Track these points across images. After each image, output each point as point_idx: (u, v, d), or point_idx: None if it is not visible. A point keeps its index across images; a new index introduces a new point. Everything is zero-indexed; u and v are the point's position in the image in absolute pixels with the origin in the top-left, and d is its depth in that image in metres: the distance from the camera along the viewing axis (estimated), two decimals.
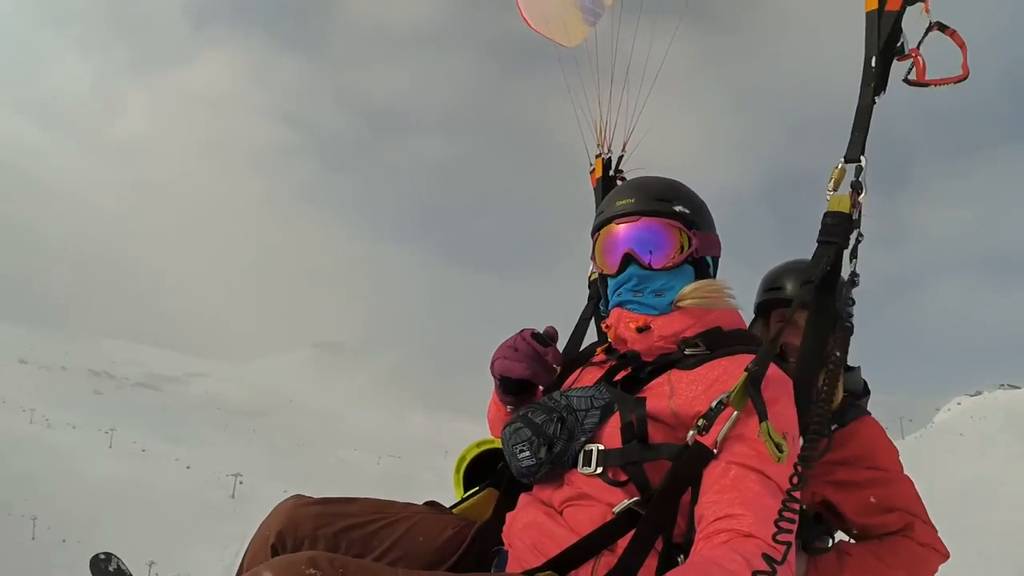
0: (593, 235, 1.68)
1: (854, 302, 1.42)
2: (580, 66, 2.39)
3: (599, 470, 1.39)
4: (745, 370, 1.29)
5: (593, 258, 1.69)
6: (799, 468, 1.18)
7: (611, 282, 1.63)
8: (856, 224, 1.51)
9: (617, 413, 1.43)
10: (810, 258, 1.56)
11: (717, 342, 1.49)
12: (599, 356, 1.69)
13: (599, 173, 2.42)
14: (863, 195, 1.52)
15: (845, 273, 1.49)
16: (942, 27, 1.59)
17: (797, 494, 1.16)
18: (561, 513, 1.43)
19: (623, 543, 1.29)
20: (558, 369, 1.72)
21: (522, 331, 1.69)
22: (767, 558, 1.07)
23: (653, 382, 1.47)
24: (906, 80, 1.59)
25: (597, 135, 2.43)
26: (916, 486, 1.90)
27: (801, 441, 1.35)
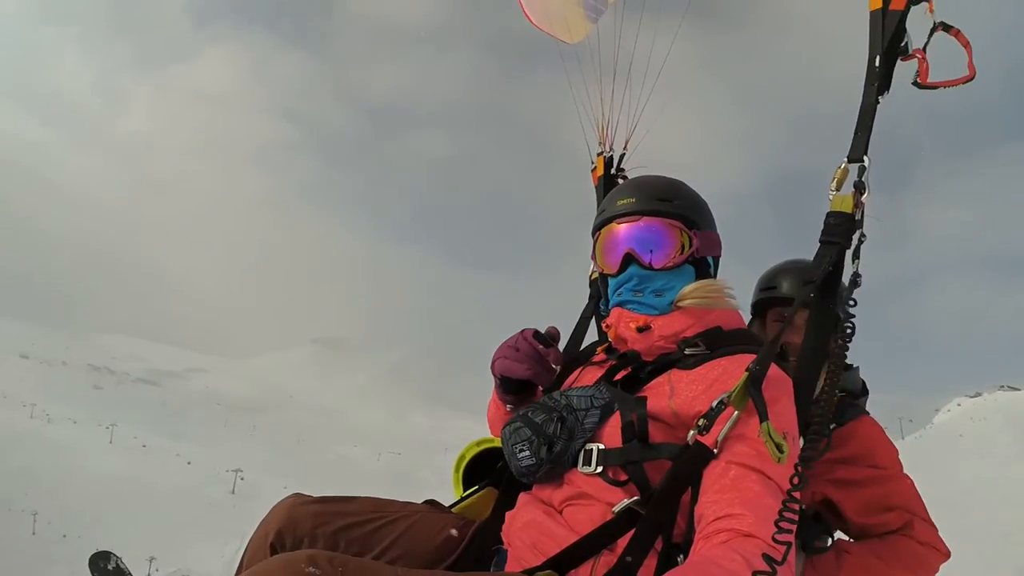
0: (594, 234, 1.68)
1: (856, 303, 1.42)
2: (582, 63, 2.38)
3: (599, 469, 1.39)
4: (746, 370, 1.29)
5: (593, 257, 1.69)
6: (799, 468, 1.18)
7: (611, 282, 1.63)
8: (859, 224, 1.51)
9: (617, 412, 1.43)
10: (810, 258, 1.56)
11: (717, 342, 1.48)
12: (599, 356, 1.69)
13: (601, 171, 2.41)
14: (866, 195, 1.51)
15: (847, 274, 1.49)
16: (946, 27, 1.58)
17: (797, 494, 1.16)
18: (561, 512, 1.43)
19: (623, 543, 1.29)
20: (558, 369, 1.72)
21: (523, 331, 1.69)
22: (767, 558, 1.06)
23: (653, 382, 1.47)
24: (915, 83, 1.58)
25: (599, 133, 2.42)
26: (916, 486, 1.89)
27: (801, 441, 1.34)
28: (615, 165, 2.41)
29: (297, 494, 1.59)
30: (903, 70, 1.59)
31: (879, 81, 1.55)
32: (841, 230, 1.50)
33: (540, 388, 1.74)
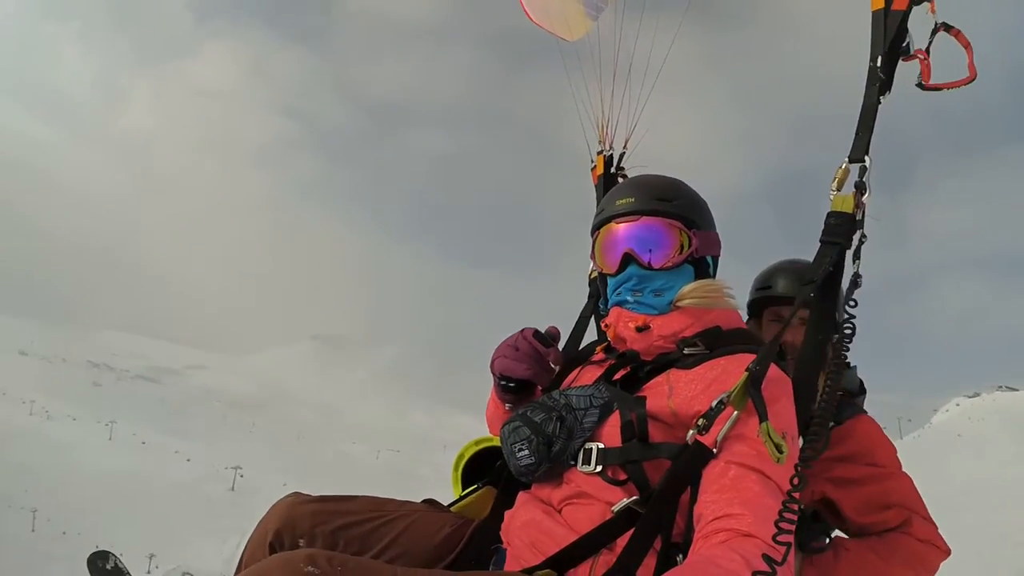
0: (593, 233, 1.68)
1: (856, 303, 1.41)
2: (582, 61, 2.38)
3: (599, 468, 1.39)
4: (746, 370, 1.29)
5: (593, 257, 1.69)
6: (799, 469, 1.18)
7: (611, 281, 1.62)
8: (859, 225, 1.51)
9: (617, 412, 1.42)
10: (810, 258, 1.56)
11: (716, 342, 1.48)
12: (598, 355, 1.69)
13: (601, 170, 2.40)
14: (867, 196, 1.51)
15: (848, 274, 1.49)
16: (947, 27, 1.58)
17: (797, 495, 1.15)
18: (560, 511, 1.43)
19: (622, 542, 1.29)
20: (558, 370, 1.72)
21: (523, 330, 1.69)
22: (767, 559, 1.06)
23: (652, 381, 1.47)
24: (919, 85, 1.58)
25: (599, 132, 2.42)
26: (919, 490, 1.88)
27: (801, 441, 1.34)
28: (615, 164, 2.40)
29: (296, 493, 1.59)
30: (905, 71, 1.58)
31: (881, 81, 1.55)
32: (842, 230, 1.50)
33: (539, 388, 1.74)
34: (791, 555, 1.11)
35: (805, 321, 1.57)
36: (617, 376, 1.54)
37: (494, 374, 1.69)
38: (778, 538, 1.10)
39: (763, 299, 2.18)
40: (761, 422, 1.22)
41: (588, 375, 1.61)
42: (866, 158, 1.53)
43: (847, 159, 1.55)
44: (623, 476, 1.37)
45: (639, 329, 1.52)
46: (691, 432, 1.31)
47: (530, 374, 1.65)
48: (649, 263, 1.56)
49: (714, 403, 1.30)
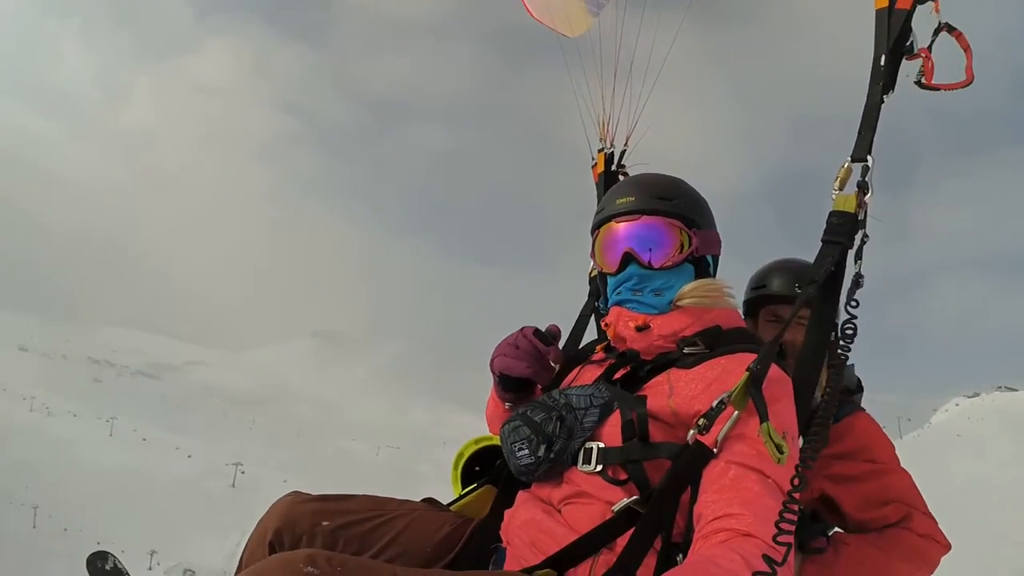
0: (593, 232, 1.67)
1: (858, 303, 1.41)
2: (583, 58, 2.36)
3: (599, 468, 1.38)
4: (747, 369, 1.28)
5: (593, 256, 1.68)
6: (800, 469, 1.17)
7: (611, 280, 1.62)
8: (861, 224, 1.50)
9: (617, 411, 1.42)
10: (810, 257, 1.55)
11: (716, 341, 1.48)
12: (598, 354, 1.69)
13: (601, 167, 2.39)
14: (869, 195, 1.50)
15: (849, 274, 1.48)
16: (950, 28, 1.57)
17: (797, 495, 1.15)
18: (560, 511, 1.43)
19: (622, 542, 1.29)
20: (558, 368, 1.72)
21: (523, 328, 1.69)
22: (767, 559, 1.06)
23: (652, 381, 1.46)
24: (917, 83, 1.57)
25: (600, 129, 2.41)
26: (914, 480, 1.88)
27: (801, 441, 1.34)
28: (616, 161, 2.39)
29: (295, 492, 1.59)
30: (905, 69, 1.57)
31: (884, 80, 1.54)
32: (844, 230, 1.49)
33: (539, 387, 1.73)
34: (791, 556, 1.11)
35: (804, 320, 1.57)
36: (617, 375, 1.54)
37: (494, 372, 1.69)
38: (778, 538, 1.10)
39: (759, 298, 2.19)
40: (762, 422, 1.22)
41: (588, 374, 1.61)
42: (868, 157, 1.52)
43: (849, 158, 1.54)
44: (623, 476, 1.37)
45: (639, 328, 1.52)
46: (692, 432, 1.31)
47: (530, 372, 1.65)
48: (649, 262, 1.55)
49: (715, 403, 1.29)
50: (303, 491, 1.60)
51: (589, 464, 1.40)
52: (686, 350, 1.48)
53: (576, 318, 2.03)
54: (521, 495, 1.54)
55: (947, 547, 1.81)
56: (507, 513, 1.53)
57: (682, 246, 1.56)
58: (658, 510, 1.28)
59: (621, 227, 1.59)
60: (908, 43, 1.56)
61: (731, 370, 1.37)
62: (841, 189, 1.53)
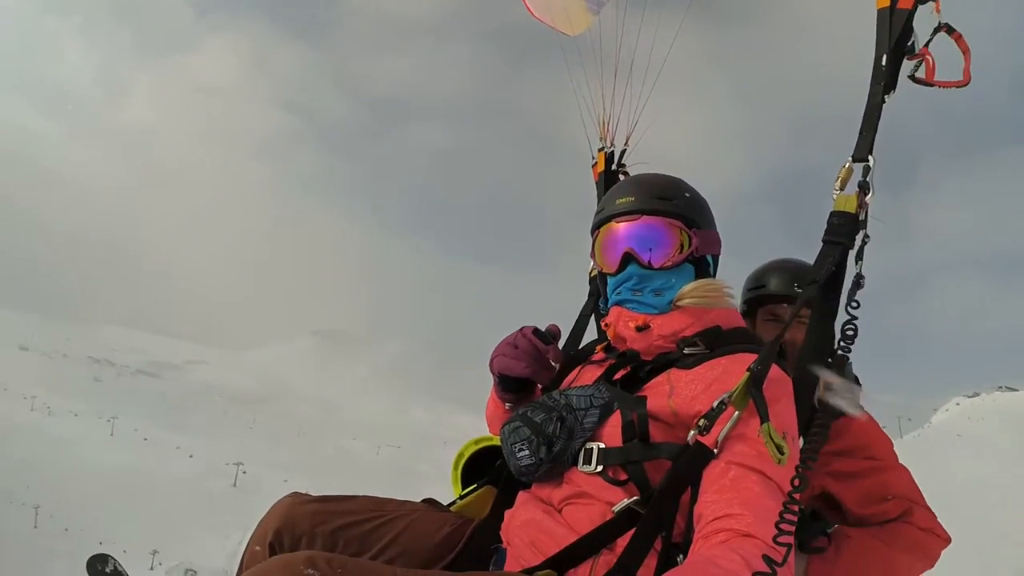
0: (593, 232, 1.67)
1: (859, 304, 1.40)
2: (584, 57, 2.36)
3: (599, 468, 1.38)
4: (748, 370, 1.28)
5: (593, 255, 1.68)
6: (800, 470, 1.17)
7: (611, 280, 1.62)
8: (862, 225, 1.50)
9: (617, 412, 1.42)
10: (811, 258, 1.55)
11: (716, 341, 1.48)
12: (598, 354, 1.68)
13: (601, 167, 2.39)
14: (870, 195, 1.50)
15: (850, 275, 1.48)
16: (950, 29, 1.57)
17: (798, 496, 1.15)
18: (560, 511, 1.43)
19: (622, 542, 1.28)
20: (558, 368, 1.71)
21: (523, 328, 1.69)
22: (767, 559, 1.06)
23: (652, 381, 1.46)
24: (911, 77, 1.57)
25: (600, 128, 2.41)
26: (912, 475, 1.90)
27: (801, 441, 1.34)
28: (616, 161, 2.39)
29: (295, 493, 1.59)
30: (906, 68, 1.57)
31: (885, 80, 1.54)
32: (844, 230, 1.49)
33: (539, 387, 1.73)
34: (792, 557, 1.11)
35: (804, 319, 1.57)
36: (617, 376, 1.53)
37: (493, 373, 1.69)
38: (778, 539, 1.10)
39: (758, 298, 2.20)
40: (762, 423, 1.22)
41: (588, 375, 1.61)
42: (870, 157, 1.52)
43: (850, 158, 1.54)
44: (624, 476, 1.37)
45: (639, 328, 1.52)
46: (692, 432, 1.31)
47: (529, 372, 1.64)
48: (649, 262, 1.55)
49: (715, 403, 1.29)
50: (303, 491, 1.61)
51: (589, 465, 1.40)
52: (686, 350, 1.48)
53: (576, 318, 2.03)
54: (521, 495, 1.54)
55: (947, 540, 1.82)
56: (507, 513, 1.53)
57: (682, 246, 1.56)
58: (658, 511, 1.28)
59: (621, 227, 1.59)
60: (910, 43, 1.56)
61: (731, 370, 1.36)
62: (842, 189, 1.53)
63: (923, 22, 1.56)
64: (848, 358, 1.38)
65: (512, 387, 1.70)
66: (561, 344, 1.79)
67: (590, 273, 2.06)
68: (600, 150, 2.41)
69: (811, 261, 1.54)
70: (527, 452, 1.42)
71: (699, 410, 1.33)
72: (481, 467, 2.04)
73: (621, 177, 2.35)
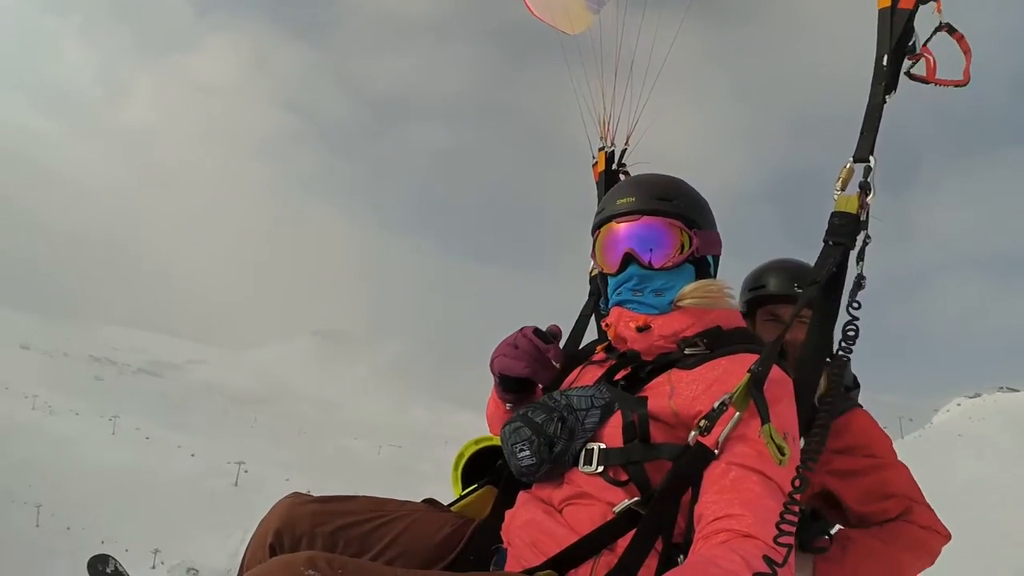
0: (593, 233, 1.67)
1: (860, 305, 1.40)
2: (584, 56, 2.36)
3: (600, 469, 1.38)
4: (749, 371, 1.28)
5: (593, 256, 1.68)
6: (800, 470, 1.17)
7: (611, 281, 1.62)
8: (863, 225, 1.49)
9: (618, 412, 1.42)
10: (811, 259, 1.55)
11: (717, 341, 1.48)
12: (599, 355, 1.68)
13: (602, 166, 2.39)
14: (871, 196, 1.50)
15: (851, 275, 1.48)
16: (951, 29, 1.57)
17: (798, 496, 1.15)
18: (560, 511, 1.43)
19: (623, 543, 1.29)
20: (559, 368, 1.71)
21: (523, 328, 1.69)
22: (768, 560, 1.06)
23: (653, 381, 1.46)
24: (908, 73, 1.57)
25: (600, 128, 2.40)
26: (912, 473, 1.91)
27: (802, 442, 1.34)
28: (616, 160, 2.38)
29: (295, 493, 1.59)
30: (906, 67, 1.57)
31: (886, 80, 1.53)
32: (845, 231, 1.49)
33: (540, 387, 1.73)
34: (792, 558, 1.11)
35: (804, 319, 1.57)
36: (618, 376, 1.53)
37: (494, 373, 1.69)
38: (779, 539, 1.10)
39: (757, 298, 2.21)
40: (763, 424, 1.22)
41: (589, 375, 1.61)
42: (871, 158, 1.52)
43: (851, 159, 1.54)
44: (624, 477, 1.37)
45: (640, 329, 1.52)
46: (693, 433, 1.31)
47: (529, 372, 1.64)
48: (650, 263, 1.55)
49: (716, 404, 1.29)
50: (304, 491, 1.61)
51: (590, 465, 1.39)
52: (687, 351, 1.48)
53: (576, 318, 2.03)
54: (522, 496, 1.54)
55: (948, 537, 1.84)
56: (508, 514, 1.53)
57: (682, 246, 1.56)
58: (659, 511, 1.28)
59: (622, 227, 1.59)
60: (910, 43, 1.56)
61: (732, 371, 1.36)
62: (843, 190, 1.53)
63: (924, 22, 1.56)
64: (849, 359, 1.38)
65: (513, 387, 1.70)
66: (561, 344, 1.79)
67: (590, 273, 2.06)
68: (600, 149, 2.41)
69: (812, 261, 1.54)
70: (528, 452, 1.42)
71: (700, 410, 1.33)
72: (481, 467, 2.04)
73: (622, 176, 2.34)
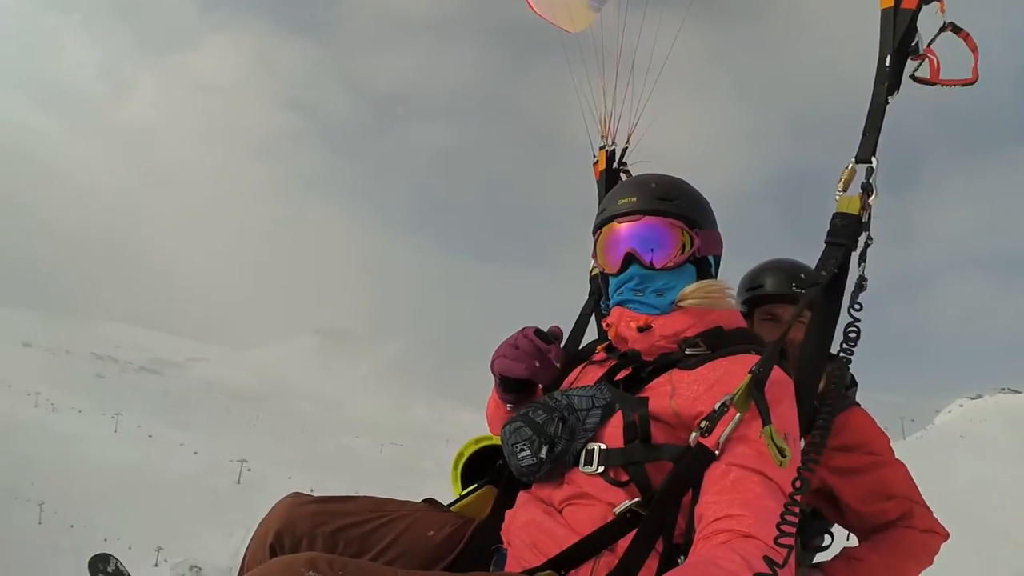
0: (595, 233, 1.67)
1: (861, 307, 1.40)
2: (585, 54, 2.36)
3: (600, 469, 1.38)
4: (750, 372, 1.28)
5: (594, 256, 1.68)
6: (801, 471, 1.17)
7: (612, 281, 1.62)
8: (865, 227, 1.49)
9: (619, 412, 1.42)
10: (812, 259, 1.54)
11: (718, 342, 1.48)
12: (599, 354, 1.68)
13: (603, 165, 2.38)
14: (873, 197, 1.49)
15: (853, 277, 1.47)
16: (956, 28, 1.56)
17: (799, 497, 1.15)
18: (561, 512, 1.42)
19: (623, 543, 1.28)
20: (559, 368, 1.71)
21: (524, 329, 1.68)
22: (768, 560, 1.06)
23: (654, 382, 1.46)
24: (913, 76, 1.56)
25: (601, 126, 2.40)
26: (918, 486, 1.92)
27: (802, 443, 1.33)
28: (617, 159, 2.38)
29: (296, 493, 1.59)
30: (909, 68, 1.56)
31: (889, 81, 1.53)
32: (847, 232, 1.48)
33: (540, 387, 1.73)
34: (793, 559, 1.11)
35: (803, 319, 1.56)
36: (619, 376, 1.53)
37: (494, 374, 1.68)
38: (779, 540, 1.10)
39: (754, 298, 2.22)
40: (764, 425, 1.21)
41: (589, 375, 1.61)
42: (873, 159, 1.51)
43: (854, 159, 1.53)
44: (625, 477, 1.37)
45: (641, 329, 1.51)
46: (694, 435, 1.30)
47: (529, 373, 1.64)
48: (651, 263, 1.55)
49: (717, 405, 1.29)
50: (306, 490, 1.61)
51: (591, 465, 1.39)
52: (688, 351, 1.48)
53: (576, 317, 2.03)
54: (522, 496, 1.54)
55: (946, 536, 1.86)
56: (508, 514, 1.53)
57: (684, 247, 1.56)
58: (660, 512, 1.28)
59: (623, 227, 1.58)
60: (913, 43, 1.55)
61: (733, 371, 1.36)
62: (845, 190, 1.52)
63: (927, 22, 1.55)
64: (850, 361, 1.38)
65: (513, 388, 1.70)
66: (562, 344, 1.79)
67: (591, 272, 2.06)
68: (601, 148, 2.40)
69: (814, 262, 1.53)
70: (528, 452, 1.42)
71: (701, 411, 1.33)
72: (481, 467, 2.04)
73: (622, 175, 2.34)
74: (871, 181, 1.50)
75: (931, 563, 1.85)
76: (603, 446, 1.40)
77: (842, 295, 1.48)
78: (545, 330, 1.71)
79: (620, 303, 1.58)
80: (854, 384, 2.15)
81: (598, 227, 1.65)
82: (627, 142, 2.36)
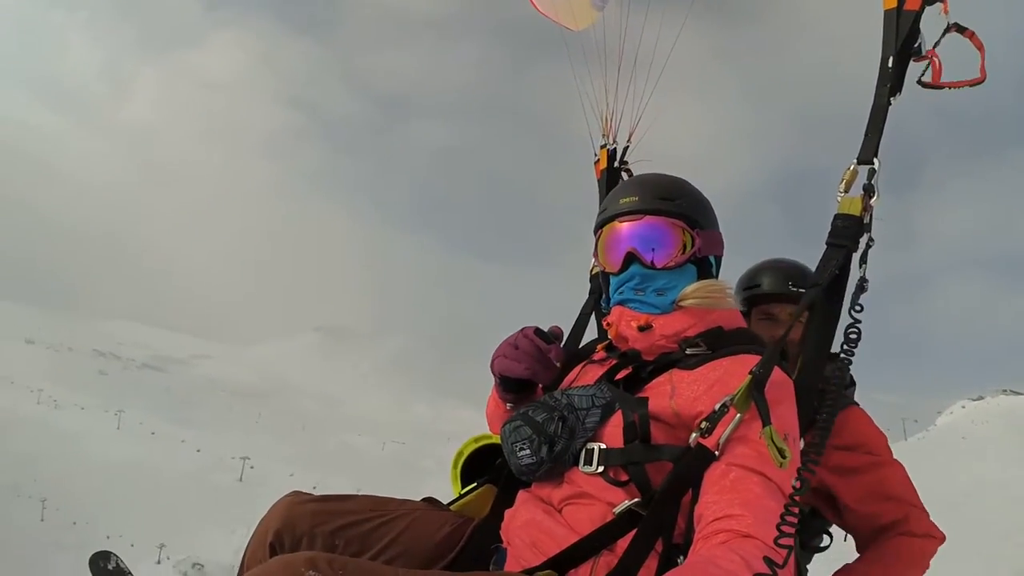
0: (596, 232, 1.67)
1: (862, 308, 1.39)
2: (587, 53, 2.35)
3: (600, 469, 1.38)
4: (750, 372, 1.28)
5: (595, 255, 1.68)
6: (801, 472, 1.17)
7: (613, 280, 1.62)
8: (867, 228, 1.48)
9: (619, 412, 1.42)
10: (814, 260, 1.54)
11: (718, 342, 1.48)
12: (599, 354, 1.68)
13: (604, 164, 2.38)
14: (875, 199, 1.49)
15: (854, 278, 1.47)
16: (960, 28, 1.55)
17: (799, 498, 1.15)
18: (560, 511, 1.43)
19: (623, 543, 1.29)
20: (559, 367, 1.71)
21: (524, 328, 1.68)
22: (768, 560, 1.05)
23: (654, 381, 1.46)
24: (919, 82, 1.55)
25: (603, 125, 2.39)
26: (918, 487, 1.91)
27: (802, 443, 1.33)
28: (619, 158, 2.37)
29: (296, 492, 1.59)
30: (912, 70, 1.55)
31: (891, 82, 1.52)
32: (848, 233, 1.48)
33: (540, 387, 1.73)
34: (793, 560, 1.11)
35: (802, 319, 1.56)
36: (619, 376, 1.53)
37: (494, 373, 1.69)
38: (779, 540, 1.10)
39: (751, 297, 2.23)
40: (764, 426, 1.21)
41: (589, 374, 1.61)
42: (875, 160, 1.51)
43: (855, 160, 1.53)
44: (625, 477, 1.37)
45: (641, 328, 1.51)
46: (694, 435, 1.30)
47: (529, 373, 1.64)
48: (652, 262, 1.55)
49: (717, 406, 1.29)
50: (308, 487, 1.61)
51: (590, 465, 1.39)
52: (688, 351, 1.48)
53: (577, 316, 2.03)
54: (521, 495, 1.54)
55: (943, 540, 1.85)
56: (507, 513, 1.53)
57: (685, 246, 1.56)
58: (659, 512, 1.28)
59: (624, 227, 1.58)
60: (916, 44, 1.54)
61: (733, 371, 1.36)
62: (847, 192, 1.52)
63: (930, 24, 1.54)
64: (851, 362, 1.37)
65: (513, 387, 1.70)
66: (562, 343, 1.79)
67: (591, 270, 2.06)
68: (603, 147, 2.40)
69: (815, 263, 1.53)
70: (528, 451, 1.42)
71: (701, 411, 1.33)
72: (481, 465, 2.04)
73: (624, 174, 2.34)
74: (873, 182, 1.49)
75: (928, 567, 1.84)
76: (603, 446, 1.40)
77: (843, 296, 1.48)
78: (545, 330, 1.71)
79: (621, 302, 1.58)
80: (853, 384, 2.15)
81: (599, 226, 1.65)
82: (628, 141, 2.36)
